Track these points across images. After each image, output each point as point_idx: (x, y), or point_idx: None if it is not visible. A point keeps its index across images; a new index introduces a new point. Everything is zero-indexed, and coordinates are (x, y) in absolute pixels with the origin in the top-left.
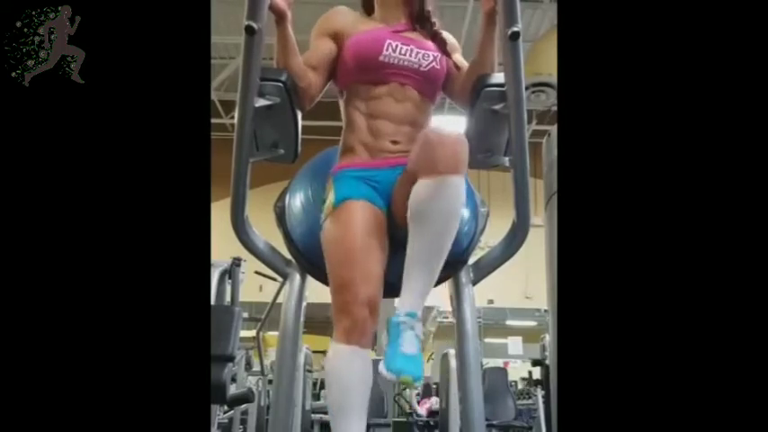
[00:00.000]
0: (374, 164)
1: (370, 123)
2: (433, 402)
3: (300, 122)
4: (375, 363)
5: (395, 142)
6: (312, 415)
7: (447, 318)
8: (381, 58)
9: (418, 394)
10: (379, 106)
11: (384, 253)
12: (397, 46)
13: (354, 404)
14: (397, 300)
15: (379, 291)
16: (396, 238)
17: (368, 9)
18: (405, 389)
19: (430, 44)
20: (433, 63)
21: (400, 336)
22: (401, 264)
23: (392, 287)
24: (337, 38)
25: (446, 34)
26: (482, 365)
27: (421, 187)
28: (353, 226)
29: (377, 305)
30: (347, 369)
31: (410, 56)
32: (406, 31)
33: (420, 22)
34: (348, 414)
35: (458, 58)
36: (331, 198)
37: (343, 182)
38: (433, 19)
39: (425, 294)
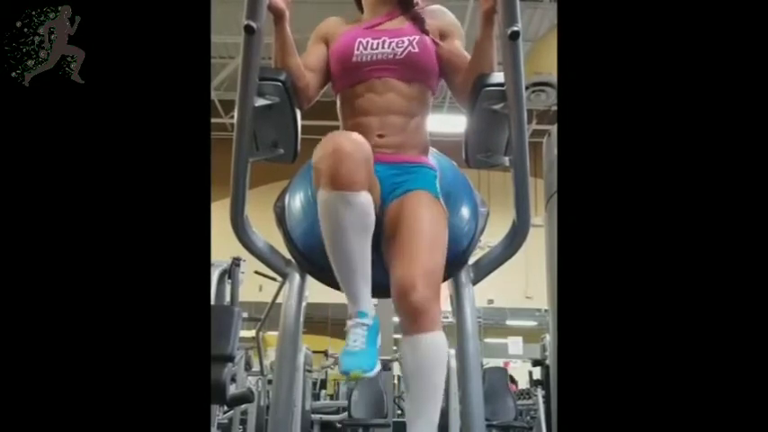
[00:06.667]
0: None
1: (356, 122)
2: None
3: (300, 122)
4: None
5: (381, 136)
6: (312, 415)
7: (447, 318)
8: (354, 59)
9: None
10: (361, 104)
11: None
12: (367, 42)
13: (353, 246)
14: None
15: (362, 152)
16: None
17: (360, 7)
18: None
19: (407, 28)
20: (409, 48)
21: None
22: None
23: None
24: (328, 43)
25: (448, 20)
26: (482, 365)
27: (403, 346)
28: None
29: (361, 155)
30: (336, 212)
31: (382, 48)
32: (385, 23)
33: (403, 7)
34: (349, 256)
35: (455, 44)
36: None
37: None
38: (416, 0)
39: None
